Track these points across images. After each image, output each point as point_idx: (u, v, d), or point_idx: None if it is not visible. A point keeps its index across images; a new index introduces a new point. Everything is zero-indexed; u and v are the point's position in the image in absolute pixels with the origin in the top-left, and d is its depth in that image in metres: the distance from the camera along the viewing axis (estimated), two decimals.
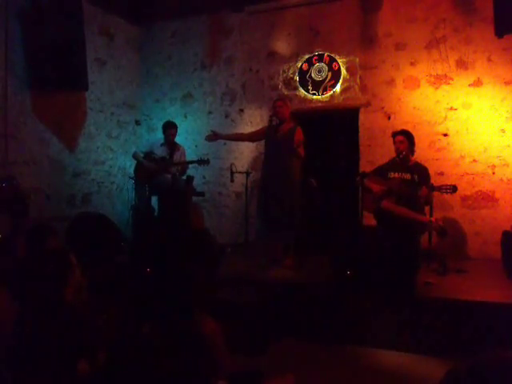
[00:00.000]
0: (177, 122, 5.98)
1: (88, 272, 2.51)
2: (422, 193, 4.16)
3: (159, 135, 5.94)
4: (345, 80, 5.70)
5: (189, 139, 6.45)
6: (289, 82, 6.00)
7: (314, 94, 5.83)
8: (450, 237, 4.66)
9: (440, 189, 4.18)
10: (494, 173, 5.09)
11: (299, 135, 4.66)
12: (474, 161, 5.16)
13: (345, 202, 5.28)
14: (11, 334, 2.02)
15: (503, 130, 5.06)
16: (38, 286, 2.13)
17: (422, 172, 4.45)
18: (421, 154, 4.92)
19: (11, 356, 1.97)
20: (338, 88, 5.72)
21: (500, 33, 4.28)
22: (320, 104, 5.83)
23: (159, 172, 5.58)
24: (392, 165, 4.55)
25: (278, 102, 4.87)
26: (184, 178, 5.69)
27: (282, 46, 6.04)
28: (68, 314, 2.05)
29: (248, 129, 6.13)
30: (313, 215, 5.30)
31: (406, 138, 4.47)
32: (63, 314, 2.03)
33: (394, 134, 4.56)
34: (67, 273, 2.19)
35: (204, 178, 6.32)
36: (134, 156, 5.80)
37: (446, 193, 4.20)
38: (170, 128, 5.70)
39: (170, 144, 5.72)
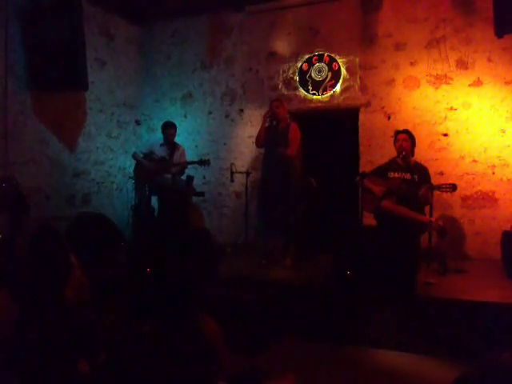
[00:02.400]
0: (177, 122, 5.98)
1: (88, 272, 2.51)
2: (421, 192, 4.16)
3: (159, 135, 5.94)
4: (345, 80, 5.70)
5: (189, 139, 6.45)
6: (289, 82, 6.00)
7: (314, 94, 5.83)
8: (450, 237, 4.66)
9: (440, 188, 4.18)
10: (493, 173, 5.09)
11: (294, 131, 4.71)
12: (474, 161, 5.16)
13: (345, 202, 5.28)
14: (11, 334, 2.02)
15: (503, 130, 5.06)
16: (39, 286, 2.13)
17: (422, 172, 4.45)
18: (421, 154, 4.92)
19: (12, 356, 1.97)
20: (337, 88, 5.72)
21: (500, 33, 4.27)
22: (320, 104, 5.83)
23: (159, 172, 5.58)
24: (392, 165, 4.55)
25: (274, 103, 4.93)
26: (184, 178, 5.69)
27: (281, 46, 6.03)
28: (68, 314, 2.05)
29: (248, 129, 6.14)
30: (313, 215, 5.30)
31: (409, 137, 4.49)
32: (63, 314, 2.03)
33: (398, 133, 4.57)
34: (68, 273, 2.19)
35: (204, 177, 6.32)
36: (134, 156, 5.81)
37: (446, 192, 4.21)
38: (169, 128, 5.70)
39: (170, 144, 5.72)
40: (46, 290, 2.11)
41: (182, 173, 5.71)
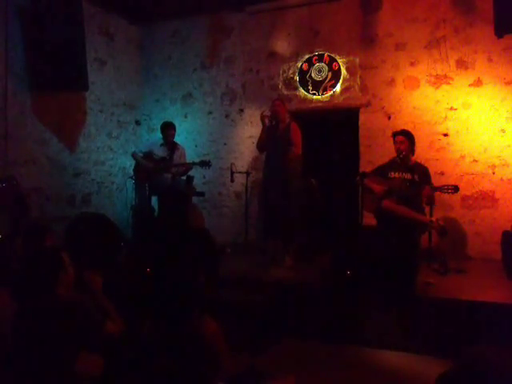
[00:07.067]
0: (177, 122, 5.98)
1: (88, 272, 2.51)
2: (424, 192, 4.16)
3: (159, 135, 5.93)
4: (345, 80, 5.70)
5: (189, 139, 6.45)
6: (289, 82, 6.00)
7: (314, 94, 5.83)
8: (450, 237, 4.65)
9: (442, 189, 4.17)
10: (494, 173, 5.09)
11: (295, 131, 4.71)
12: (474, 161, 5.16)
13: (345, 201, 5.28)
14: (10, 333, 2.02)
15: (503, 130, 5.06)
16: (33, 284, 2.14)
17: (422, 172, 4.45)
18: (421, 154, 4.93)
19: (10, 356, 1.97)
20: (338, 88, 5.72)
21: (500, 33, 4.28)
22: (320, 104, 5.83)
23: (158, 172, 5.58)
24: (392, 165, 4.55)
25: (276, 102, 4.94)
26: (184, 178, 5.69)
27: (282, 46, 6.04)
28: (68, 313, 2.05)
29: (248, 129, 6.14)
30: (313, 215, 5.30)
31: (406, 138, 4.48)
32: (62, 314, 2.03)
33: (395, 134, 4.57)
34: (58, 271, 2.18)
35: (204, 177, 6.31)
36: (133, 156, 5.80)
37: (448, 193, 4.20)
38: (168, 128, 5.69)
39: (170, 144, 5.71)
40: (39, 289, 2.11)
41: (186, 174, 5.70)
